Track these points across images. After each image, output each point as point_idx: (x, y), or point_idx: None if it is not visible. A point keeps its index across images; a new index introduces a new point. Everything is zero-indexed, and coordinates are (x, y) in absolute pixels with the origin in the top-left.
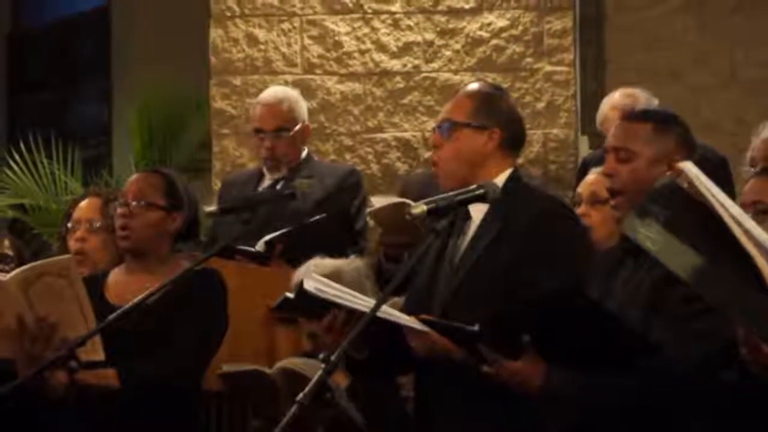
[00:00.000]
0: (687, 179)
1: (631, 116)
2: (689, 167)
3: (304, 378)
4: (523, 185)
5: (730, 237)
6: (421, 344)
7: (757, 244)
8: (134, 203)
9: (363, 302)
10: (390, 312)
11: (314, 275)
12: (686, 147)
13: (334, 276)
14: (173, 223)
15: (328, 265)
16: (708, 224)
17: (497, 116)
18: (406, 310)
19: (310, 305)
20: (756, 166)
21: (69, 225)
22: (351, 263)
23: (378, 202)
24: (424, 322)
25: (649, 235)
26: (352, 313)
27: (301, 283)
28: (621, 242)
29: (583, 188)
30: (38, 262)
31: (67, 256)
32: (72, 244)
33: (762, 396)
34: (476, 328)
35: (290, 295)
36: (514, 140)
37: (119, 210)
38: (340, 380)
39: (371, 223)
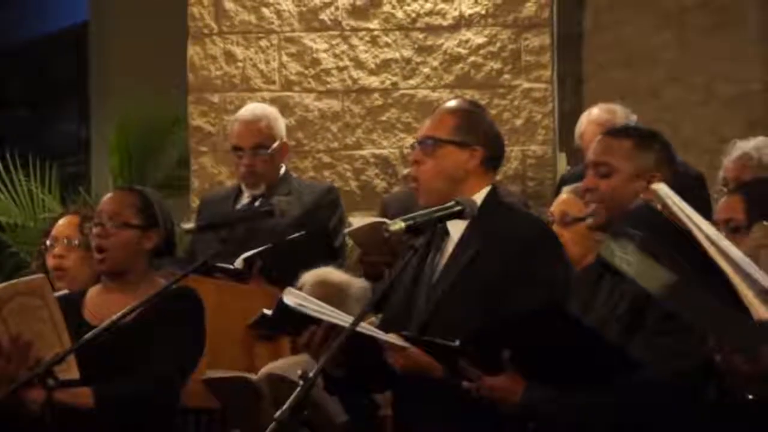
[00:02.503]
0: (660, 201)
1: (613, 132)
2: (662, 189)
3: (289, 381)
4: (502, 203)
5: (705, 256)
6: (399, 360)
7: (732, 262)
8: (109, 223)
9: (342, 318)
10: (369, 328)
11: (293, 290)
12: (667, 164)
13: (343, 288)
14: (149, 242)
15: (337, 277)
16: (682, 244)
17: (479, 134)
18: (383, 327)
19: (289, 321)
20: (728, 185)
21: (47, 243)
22: (360, 281)
23: (356, 221)
24: (404, 337)
25: (625, 258)
26: (331, 329)
27: (281, 298)
28: (599, 259)
29: (555, 207)
30: (11, 282)
31: (40, 275)
32: (50, 260)
33: (740, 413)
34: (457, 343)
35: (268, 311)
36: (494, 158)
37: (94, 230)
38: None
39: (350, 242)
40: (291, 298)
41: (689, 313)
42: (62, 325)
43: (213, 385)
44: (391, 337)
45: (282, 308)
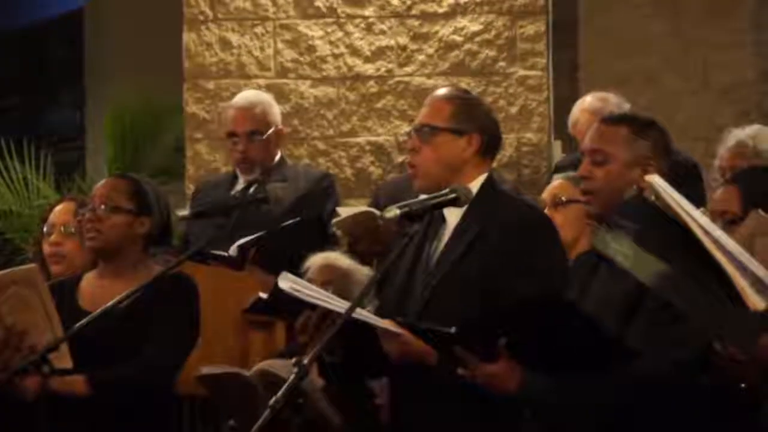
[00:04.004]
0: (654, 192)
1: (609, 119)
2: (656, 180)
3: (282, 380)
4: (499, 191)
5: (699, 247)
6: (395, 347)
7: (726, 253)
8: (100, 207)
9: (338, 303)
10: (365, 314)
11: (289, 275)
12: (662, 152)
13: (349, 273)
14: (141, 227)
15: (344, 262)
16: (677, 235)
17: (476, 121)
18: (379, 314)
19: (284, 305)
20: (725, 175)
21: (44, 229)
22: (365, 269)
23: (343, 211)
24: (399, 324)
25: (620, 249)
26: (326, 315)
27: (276, 282)
28: (594, 248)
29: (546, 193)
30: (4, 271)
31: (32, 265)
32: (47, 247)
33: (736, 401)
34: (452, 330)
35: (264, 295)
36: (491, 146)
37: (87, 215)
38: (317, 380)
39: (338, 233)
40: (286, 282)
41: (684, 304)
42: (54, 314)
43: (207, 381)
44: (386, 324)
45: (277, 292)
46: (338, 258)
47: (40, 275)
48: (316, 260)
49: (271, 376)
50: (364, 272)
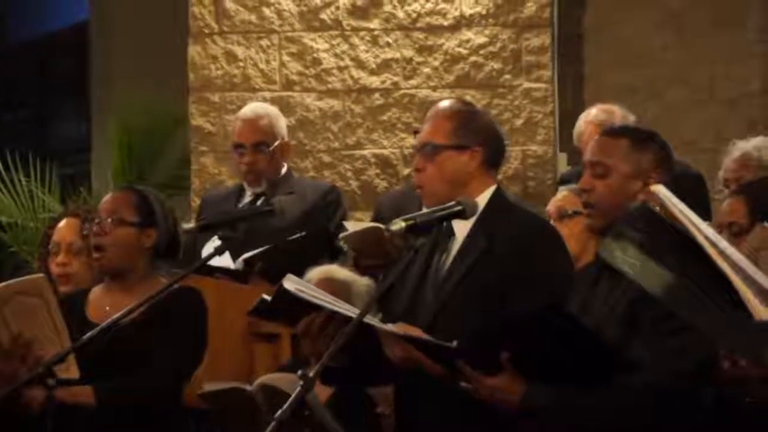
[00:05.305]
0: (659, 202)
1: (609, 132)
2: (661, 190)
3: (283, 394)
4: (507, 203)
5: (705, 257)
6: (398, 354)
7: (731, 263)
8: (106, 221)
9: (342, 306)
10: (371, 319)
11: (293, 277)
12: (663, 165)
13: (348, 284)
14: (148, 239)
15: (343, 274)
16: (682, 245)
17: (477, 134)
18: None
19: (288, 308)
20: (729, 186)
21: (49, 247)
22: (364, 279)
23: (350, 226)
24: (402, 338)
25: (626, 259)
26: (330, 318)
27: (281, 283)
28: (598, 259)
29: (551, 205)
30: (12, 281)
31: (40, 275)
32: (54, 268)
33: (738, 415)
34: (454, 344)
35: (267, 297)
36: (495, 157)
37: (93, 229)
38: (321, 393)
39: (345, 247)
40: (291, 284)
41: (690, 316)
42: (62, 324)
43: (210, 397)
44: (389, 328)
45: (282, 294)
46: (337, 270)
47: (48, 285)
48: (315, 273)
49: (272, 390)
50: (363, 284)
